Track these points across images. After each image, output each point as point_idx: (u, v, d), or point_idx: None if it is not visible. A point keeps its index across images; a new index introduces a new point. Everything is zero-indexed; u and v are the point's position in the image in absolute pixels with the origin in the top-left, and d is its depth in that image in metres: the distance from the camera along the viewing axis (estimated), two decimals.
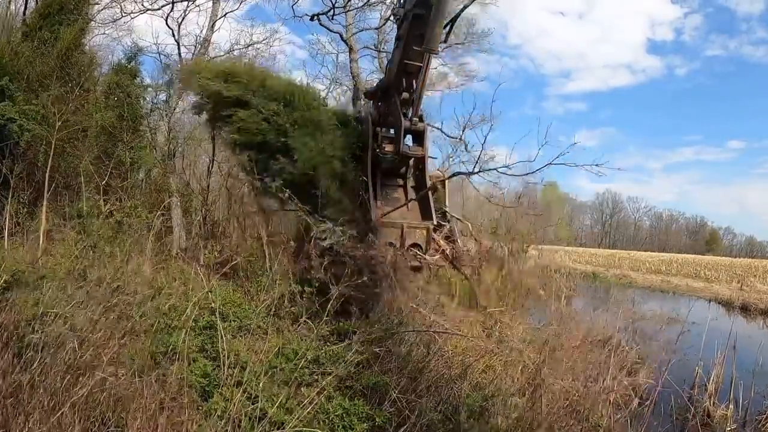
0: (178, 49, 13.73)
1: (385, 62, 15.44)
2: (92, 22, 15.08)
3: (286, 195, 8.14)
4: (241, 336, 5.21)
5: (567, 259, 34.76)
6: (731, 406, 8.04)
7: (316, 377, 4.26)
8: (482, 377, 5.36)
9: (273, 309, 5.20)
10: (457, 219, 10.16)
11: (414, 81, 7.87)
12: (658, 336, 10.87)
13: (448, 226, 9.52)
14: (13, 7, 16.22)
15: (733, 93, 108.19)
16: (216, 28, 13.85)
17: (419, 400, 4.23)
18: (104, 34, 15.94)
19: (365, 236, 7.90)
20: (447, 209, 9.92)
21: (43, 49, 13.51)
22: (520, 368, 5.76)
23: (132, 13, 14.36)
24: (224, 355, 4.26)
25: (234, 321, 5.48)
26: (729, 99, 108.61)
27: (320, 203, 8.33)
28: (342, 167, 8.71)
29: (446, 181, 10.06)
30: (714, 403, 8.21)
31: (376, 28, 15.29)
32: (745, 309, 23.65)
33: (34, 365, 3.63)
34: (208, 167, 13.79)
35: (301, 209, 8.18)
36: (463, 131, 14.27)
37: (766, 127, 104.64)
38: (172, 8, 14.27)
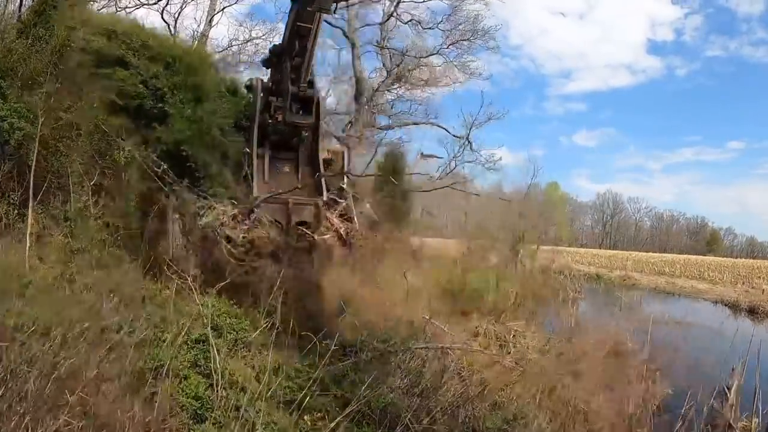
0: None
1: (388, 60, 15.09)
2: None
3: (161, 168, 7.45)
4: (237, 351, 4.77)
5: (569, 260, 34.39)
6: (755, 419, 7.69)
7: (321, 400, 3.80)
8: (501, 395, 4.93)
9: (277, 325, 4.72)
10: (355, 196, 9.22)
11: (306, 44, 7.22)
12: (675, 342, 10.52)
13: (344, 204, 8.68)
14: (11, 6, 15.78)
15: (733, 94, 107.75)
16: (214, 23, 13.41)
17: (434, 428, 3.77)
18: None
19: (248, 214, 7.21)
20: (344, 186, 9.01)
21: (38, 46, 13.05)
22: (541, 386, 5.33)
23: (127, 7, 13.91)
24: (218, 375, 3.82)
25: (230, 334, 5.03)
26: (729, 100, 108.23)
27: (198, 177, 7.58)
28: (223, 138, 7.90)
29: (345, 156, 9.24)
30: (735, 412, 7.89)
31: (379, 24, 14.84)
32: (752, 311, 23.34)
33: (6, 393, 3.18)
34: None
35: (177, 183, 7.47)
36: (469, 130, 13.89)
37: (765, 128, 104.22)
38: (168, 2, 13.82)
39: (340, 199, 8.54)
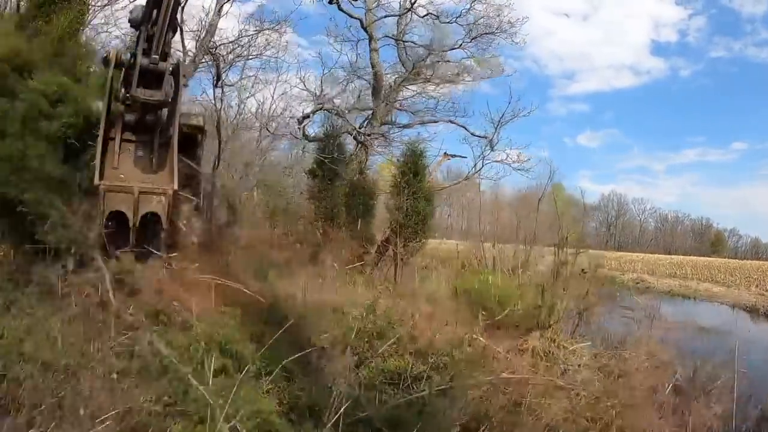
0: (181, 35, 12.28)
1: (404, 54, 14.25)
2: (92, 16, 13.90)
3: None
4: (262, 384, 3.96)
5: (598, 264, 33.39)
6: None
7: None
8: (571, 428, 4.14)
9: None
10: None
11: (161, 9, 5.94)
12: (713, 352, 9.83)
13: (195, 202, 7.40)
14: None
15: (737, 94, 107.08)
16: (223, 12, 12.52)
17: None
18: (106, 31, 14.57)
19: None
20: (199, 170, 7.46)
21: (36, 39, 12.33)
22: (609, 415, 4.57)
23: None
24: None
25: (259, 364, 4.19)
26: (733, 100, 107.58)
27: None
28: (44, 166, 6.27)
29: (203, 137, 7.59)
30: None
31: (396, 15, 13.96)
32: None
33: None
34: (213, 165, 12.46)
35: None
36: (496, 129, 13.06)
37: None
38: None
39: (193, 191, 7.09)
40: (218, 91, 13.08)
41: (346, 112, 12.74)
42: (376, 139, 13.11)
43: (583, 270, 8.88)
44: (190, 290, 5.57)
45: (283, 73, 18.23)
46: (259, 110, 18.29)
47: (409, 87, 13.93)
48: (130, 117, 6.39)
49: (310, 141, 13.44)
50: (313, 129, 13.80)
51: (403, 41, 13.77)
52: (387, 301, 7.53)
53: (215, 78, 12.65)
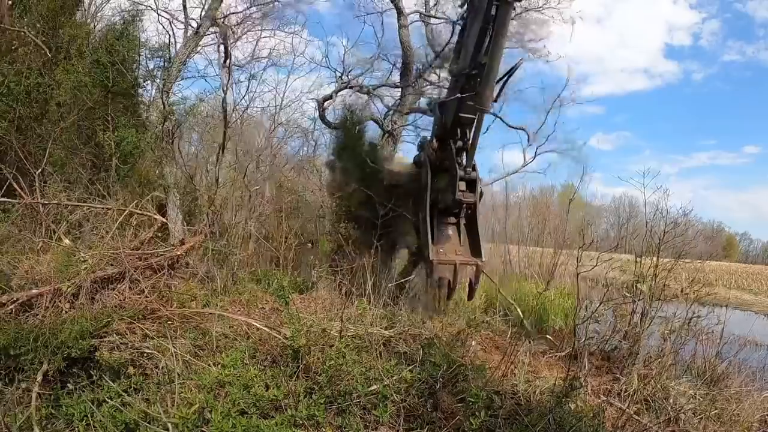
0: (183, 1, 10.87)
1: (432, 33, 12.75)
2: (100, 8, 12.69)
3: None
4: None
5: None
6: None
7: None
8: None
9: None
10: None
11: (467, 131, 7.95)
12: None
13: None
14: None
15: (749, 98, 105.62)
16: None
17: None
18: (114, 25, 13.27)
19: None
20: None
21: (27, 18, 11.03)
22: None
23: None
24: None
25: None
26: (745, 104, 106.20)
27: None
28: None
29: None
30: None
31: None
32: None
33: None
34: (217, 154, 11.04)
35: None
36: (546, 117, 11.72)
37: None
38: None
39: None
40: (225, 70, 11.46)
41: (371, 92, 11.07)
42: (404, 127, 11.62)
43: (681, 290, 7.41)
44: None
45: (299, 55, 16.73)
46: (273, 95, 16.88)
47: (438, 72, 12.36)
48: (441, 206, 8.30)
49: (331, 128, 11.90)
50: (332, 117, 12.28)
51: (428, 15, 12.15)
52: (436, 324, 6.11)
53: (223, 55, 11.11)
